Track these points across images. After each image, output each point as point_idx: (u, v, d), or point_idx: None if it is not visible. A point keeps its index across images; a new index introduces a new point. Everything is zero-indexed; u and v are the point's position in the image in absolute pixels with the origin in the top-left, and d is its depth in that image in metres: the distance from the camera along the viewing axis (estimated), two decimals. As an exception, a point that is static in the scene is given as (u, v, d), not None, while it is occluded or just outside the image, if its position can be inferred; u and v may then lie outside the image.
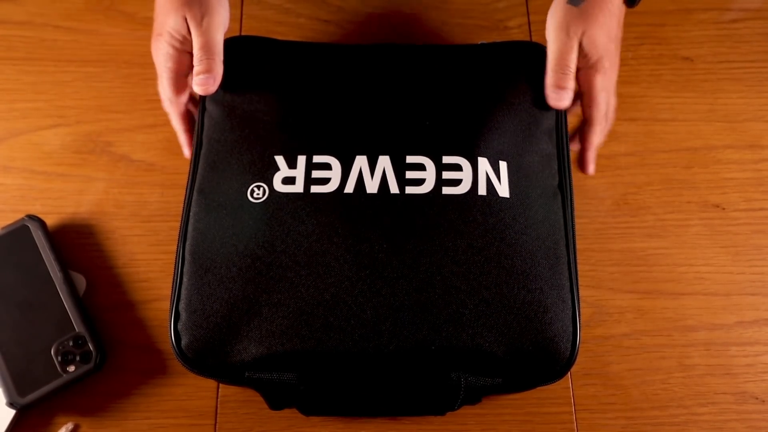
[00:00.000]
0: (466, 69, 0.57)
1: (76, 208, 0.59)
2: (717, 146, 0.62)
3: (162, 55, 0.54)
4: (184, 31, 0.53)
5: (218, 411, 0.53)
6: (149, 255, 0.58)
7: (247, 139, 0.54)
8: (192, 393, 0.53)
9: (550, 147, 0.55)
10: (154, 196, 0.60)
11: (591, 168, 0.58)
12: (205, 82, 0.53)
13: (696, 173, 0.61)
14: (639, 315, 0.56)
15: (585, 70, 0.54)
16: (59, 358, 0.51)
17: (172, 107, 0.57)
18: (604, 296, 0.57)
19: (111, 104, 0.63)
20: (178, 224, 0.54)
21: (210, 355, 0.50)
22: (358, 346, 0.48)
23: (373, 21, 0.68)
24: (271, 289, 0.49)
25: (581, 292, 0.53)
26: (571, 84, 0.53)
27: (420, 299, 0.49)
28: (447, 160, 0.52)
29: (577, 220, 0.55)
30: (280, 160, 0.53)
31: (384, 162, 0.52)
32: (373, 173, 0.52)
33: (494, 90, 0.55)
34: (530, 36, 0.67)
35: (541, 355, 0.49)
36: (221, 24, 0.54)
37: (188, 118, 0.58)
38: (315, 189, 0.51)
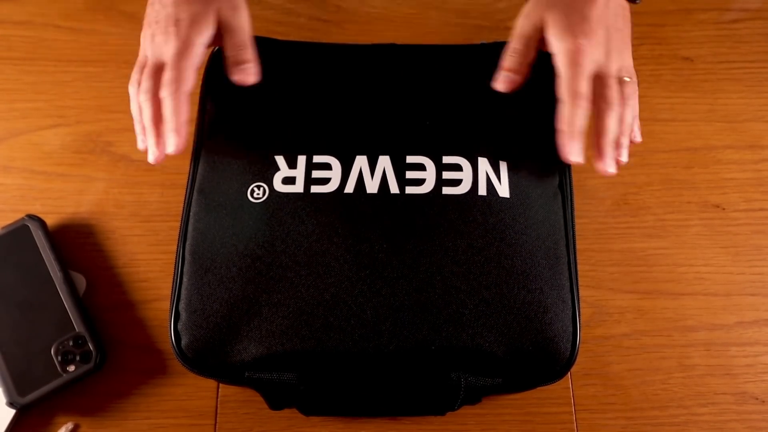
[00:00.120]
0: (466, 69, 0.57)
1: (76, 208, 0.59)
2: (717, 146, 0.62)
3: (201, 25, 0.50)
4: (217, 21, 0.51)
5: (218, 411, 0.53)
6: (149, 255, 0.58)
7: (247, 139, 0.54)
8: (192, 393, 0.53)
9: (551, 147, 0.55)
10: (154, 196, 0.60)
11: (602, 163, 0.50)
12: (250, 71, 0.52)
13: (696, 173, 0.61)
14: (639, 315, 0.56)
15: (559, 55, 0.49)
16: (59, 358, 0.51)
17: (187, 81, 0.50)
18: (604, 296, 0.57)
19: (111, 104, 0.63)
20: (178, 224, 0.54)
21: (210, 355, 0.50)
22: (358, 346, 0.48)
23: (373, 21, 0.68)
24: (271, 289, 0.49)
25: (581, 292, 0.53)
26: (507, 64, 0.52)
27: (420, 299, 0.49)
28: (447, 160, 0.52)
29: (577, 220, 0.55)
30: (280, 160, 0.53)
31: (384, 162, 0.52)
32: (373, 173, 0.52)
33: (494, 90, 0.55)
34: (530, 36, 0.67)
35: (541, 355, 0.49)
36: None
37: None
38: (315, 189, 0.51)
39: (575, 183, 0.57)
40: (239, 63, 0.52)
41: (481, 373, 0.49)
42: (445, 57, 0.57)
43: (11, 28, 0.67)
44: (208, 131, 0.56)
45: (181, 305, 0.50)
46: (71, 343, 0.52)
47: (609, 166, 0.50)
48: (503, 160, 0.53)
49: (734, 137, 0.63)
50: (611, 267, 0.58)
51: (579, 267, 0.53)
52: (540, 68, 0.54)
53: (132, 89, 0.53)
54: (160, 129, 0.51)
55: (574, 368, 0.51)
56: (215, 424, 0.53)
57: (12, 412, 0.51)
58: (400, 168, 0.52)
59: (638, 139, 0.55)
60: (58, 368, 0.51)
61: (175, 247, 0.53)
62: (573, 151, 0.49)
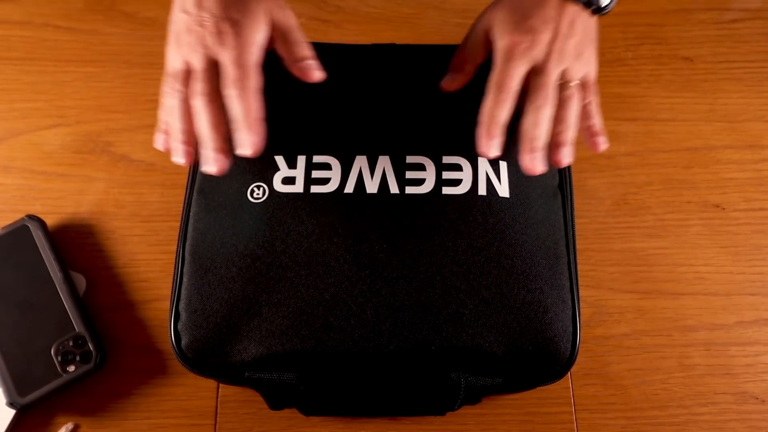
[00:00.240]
0: (466, 69, 0.57)
1: (76, 208, 0.59)
2: (717, 146, 0.62)
3: (258, 23, 0.48)
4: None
5: (218, 411, 0.53)
6: (149, 255, 0.58)
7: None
8: (192, 393, 0.53)
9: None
10: (154, 196, 0.60)
11: (522, 160, 0.48)
12: (314, 67, 0.50)
13: (696, 173, 0.61)
14: (639, 315, 0.56)
15: (497, 51, 0.49)
16: (59, 358, 0.51)
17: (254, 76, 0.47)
18: (604, 296, 0.57)
19: (111, 104, 0.63)
20: (178, 224, 0.54)
21: (210, 355, 0.50)
22: (358, 346, 0.48)
23: (373, 21, 0.68)
24: (271, 289, 0.49)
25: (581, 292, 0.53)
26: (452, 65, 0.54)
27: (420, 299, 0.49)
28: (447, 160, 0.52)
29: (577, 220, 0.55)
30: (280, 160, 0.53)
31: (384, 162, 0.52)
32: (373, 173, 0.52)
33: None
34: (530, 36, 0.67)
35: (541, 355, 0.49)
36: None
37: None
38: (315, 189, 0.51)
39: (575, 183, 0.57)
40: (300, 59, 0.49)
41: (481, 373, 0.49)
42: (445, 57, 0.57)
43: (11, 28, 0.67)
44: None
45: (181, 305, 0.50)
46: (71, 343, 0.52)
47: (529, 164, 0.48)
48: (503, 160, 0.53)
49: (734, 137, 0.63)
50: (611, 267, 0.58)
51: (579, 267, 0.53)
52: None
53: (172, 99, 0.48)
54: (222, 132, 0.47)
55: (574, 368, 0.51)
56: (215, 424, 0.53)
57: (12, 412, 0.51)
58: (399, 168, 0.52)
59: (602, 146, 0.51)
60: (58, 368, 0.51)
61: (175, 247, 0.53)
62: (488, 144, 0.47)
